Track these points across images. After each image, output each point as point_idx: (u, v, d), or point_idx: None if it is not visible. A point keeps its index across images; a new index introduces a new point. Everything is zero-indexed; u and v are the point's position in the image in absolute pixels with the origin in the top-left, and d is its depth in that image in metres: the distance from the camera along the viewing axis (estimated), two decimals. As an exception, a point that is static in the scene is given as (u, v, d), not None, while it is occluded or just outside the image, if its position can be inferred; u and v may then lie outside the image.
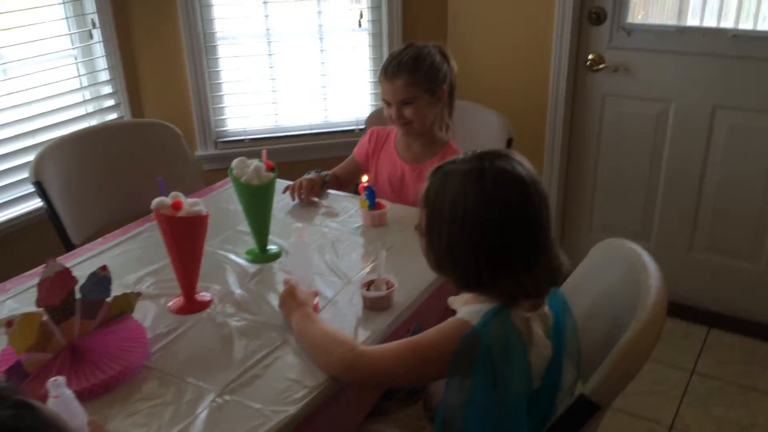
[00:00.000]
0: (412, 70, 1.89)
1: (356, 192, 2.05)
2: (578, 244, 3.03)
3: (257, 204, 1.63)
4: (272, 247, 1.74)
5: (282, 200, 2.02)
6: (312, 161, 2.92)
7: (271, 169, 1.64)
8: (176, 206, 1.39)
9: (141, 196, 1.67)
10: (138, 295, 1.40)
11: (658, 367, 2.55)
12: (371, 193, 1.82)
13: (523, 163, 1.15)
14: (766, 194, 2.57)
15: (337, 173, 2.19)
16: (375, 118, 2.43)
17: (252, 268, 1.66)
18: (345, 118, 2.99)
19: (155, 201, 1.39)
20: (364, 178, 1.85)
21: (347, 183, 2.23)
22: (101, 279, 1.30)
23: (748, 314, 2.74)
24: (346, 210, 1.96)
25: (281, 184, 2.08)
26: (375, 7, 2.83)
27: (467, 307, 1.18)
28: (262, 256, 1.69)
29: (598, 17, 2.65)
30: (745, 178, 2.60)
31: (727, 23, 2.48)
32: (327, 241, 1.78)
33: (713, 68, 2.52)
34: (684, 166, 2.68)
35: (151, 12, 2.64)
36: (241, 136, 2.91)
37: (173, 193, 1.42)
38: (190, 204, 1.41)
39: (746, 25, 2.45)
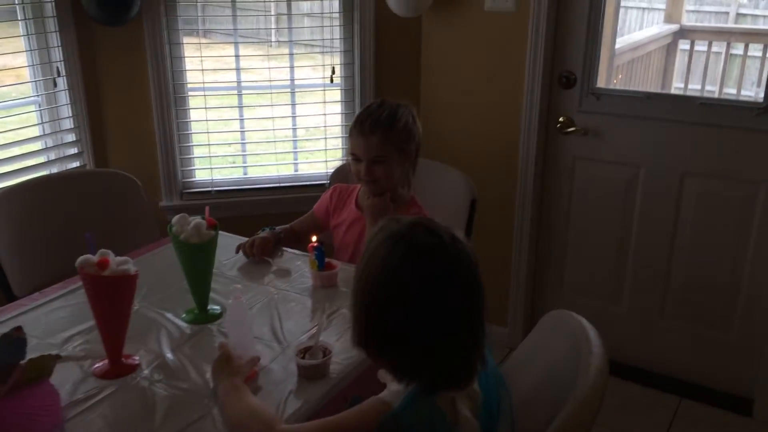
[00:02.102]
0: (388, 129, 1.87)
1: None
2: (548, 305, 2.96)
3: (196, 262, 1.58)
4: (214, 307, 1.67)
5: (233, 257, 1.96)
6: (280, 215, 2.85)
7: (212, 226, 1.59)
8: (102, 265, 1.33)
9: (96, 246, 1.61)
10: (57, 357, 1.33)
11: (625, 439, 2.46)
12: (321, 252, 1.76)
13: (445, 241, 1.10)
14: (737, 263, 2.53)
15: (295, 228, 2.14)
16: (340, 174, 2.39)
17: (189, 329, 1.59)
18: (315, 171, 2.96)
19: (80, 259, 1.33)
20: (314, 238, 1.80)
21: (304, 238, 2.17)
22: (15, 341, 1.24)
23: (720, 385, 2.66)
24: (298, 269, 1.91)
25: (231, 240, 2.03)
26: (347, 63, 2.83)
27: (393, 385, 1.12)
28: (200, 316, 1.62)
29: (568, 81, 2.65)
30: (715, 245, 2.56)
31: (695, 85, 2.48)
32: (272, 302, 1.72)
33: (681, 135, 2.51)
34: (654, 231, 2.64)
35: (119, 61, 2.63)
36: (208, 187, 2.87)
37: (101, 251, 1.36)
38: (118, 262, 1.35)
39: (712, 89, 2.45)
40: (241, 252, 1.96)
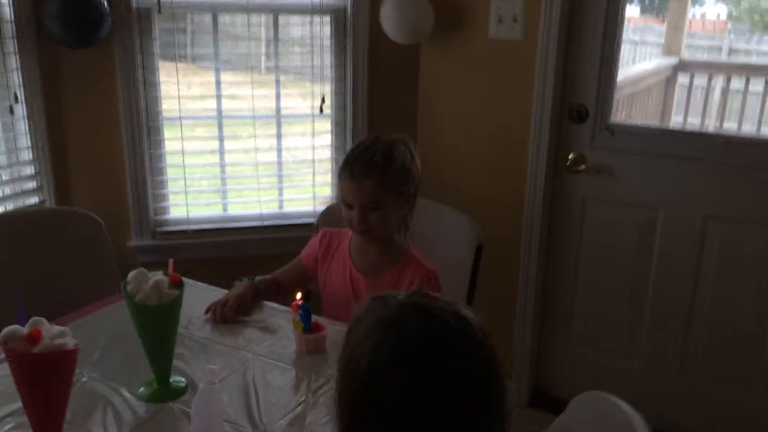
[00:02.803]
0: (383, 171, 1.63)
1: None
2: (556, 359, 2.71)
3: (155, 328, 1.31)
4: (178, 380, 1.40)
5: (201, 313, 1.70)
6: (262, 257, 2.60)
7: (176, 283, 1.33)
8: (33, 338, 1.07)
9: (46, 296, 1.45)
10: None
11: None
12: (306, 312, 1.51)
13: (452, 327, 0.86)
14: (763, 316, 2.30)
15: (279, 278, 1.88)
16: (329, 216, 2.13)
17: (144, 409, 1.32)
18: (302, 209, 2.71)
19: (5, 332, 1.07)
20: (299, 295, 1.54)
21: (289, 291, 1.91)
22: None
23: (745, 451, 2.41)
24: (280, 328, 1.64)
25: (203, 292, 1.77)
26: (339, 93, 2.60)
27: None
28: (160, 392, 1.36)
29: (580, 115, 2.43)
30: (740, 295, 2.32)
31: (710, 120, 2.27)
32: (248, 372, 1.45)
33: (703, 174, 2.29)
34: (673, 279, 2.41)
35: (86, 86, 2.38)
36: (183, 225, 2.60)
37: (33, 320, 1.10)
38: (53, 334, 1.09)
39: (731, 125, 2.24)
40: (211, 315, 1.69)
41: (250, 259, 2.61)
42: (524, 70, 2.42)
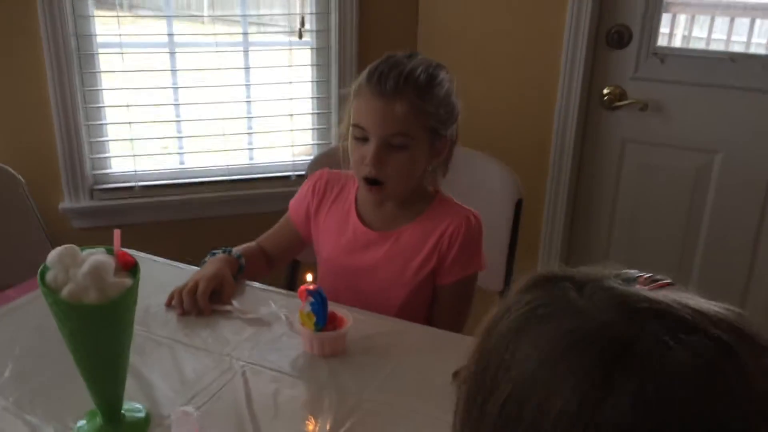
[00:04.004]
0: (425, 93, 1.19)
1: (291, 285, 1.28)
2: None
3: (95, 338, 0.83)
4: (134, 408, 0.93)
5: (161, 302, 1.21)
6: (230, 219, 2.13)
7: (128, 267, 0.84)
8: None
9: None
10: None
11: None
12: (320, 301, 1.04)
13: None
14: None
15: (265, 247, 1.40)
16: (319, 167, 1.65)
17: (83, 462, 0.84)
18: (277, 159, 2.21)
19: None
20: (309, 277, 1.07)
21: (280, 262, 1.45)
22: None
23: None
24: (277, 320, 1.17)
25: (163, 269, 1.28)
26: (321, 13, 2.08)
27: None
28: (107, 430, 0.88)
29: (621, 38, 1.98)
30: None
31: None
32: (238, 389, 0.98)
33: (775, 110, 1.89)
34: (731, 239, 2.02)
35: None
36: (129, 182, 2.08)
37: None
38: None
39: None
40: (174, 306, 1.19)
41: (212, 222, 2.13)
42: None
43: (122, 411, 0.91)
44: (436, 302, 1.30)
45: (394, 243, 1.28)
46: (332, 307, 1.07)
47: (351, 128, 1.22)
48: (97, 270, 0.80)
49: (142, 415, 0.92)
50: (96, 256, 0.82)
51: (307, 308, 1.04)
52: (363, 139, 1.20)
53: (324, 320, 1.04)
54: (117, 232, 0.86)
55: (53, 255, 0.81)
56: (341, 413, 0.95)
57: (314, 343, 1.06)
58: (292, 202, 1.42)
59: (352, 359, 1.07)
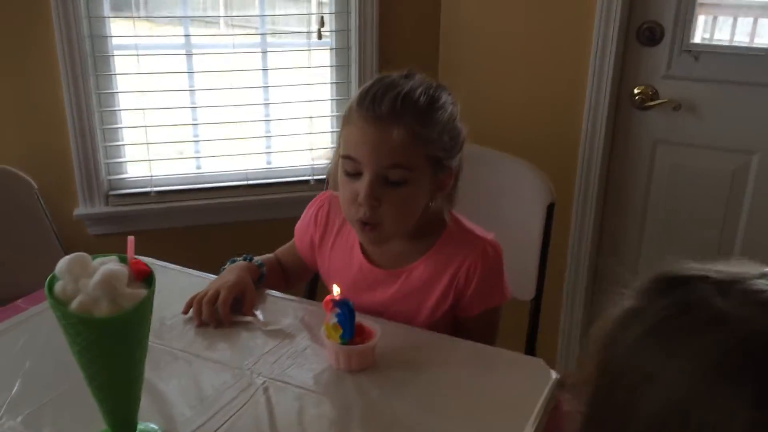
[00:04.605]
0: (426, 118, 1.05)
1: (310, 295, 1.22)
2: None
3: (107, 353, 0.76)
4: (149, 427, 0.87)
5: (178, 312, 1.15)
6: (247, 224, 2.08)
7: (143, 277, 0.78)
8: None
9: None
10: None
11: None
12: (347, 312, 0.97)
13: None
14: None
15: (282, 259, 1.33)
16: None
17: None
18: (296, 163, 2.15)
19: None
20: (336, 289, 1.00)
21: (297, 281, 1.37)
22: None
23: None
24: (300, 332, 1.11)
25: (179, 278, 1.23)
26: (340, 12, 2.03)
27: None
28: (121, 455, 0.82)
29: (653, 35, 1.90)
30: None
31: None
32: (260, 406, 0.92)
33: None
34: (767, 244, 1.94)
35: (13, 7, 1.77)
36: (145, 187, 2.03)
37: None
38: None
39: None
40: (192, 316, 1.12)
41: (232, 228, 2.08)
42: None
43: (138, 428, 0.85)
44: (459, 330, 1.17)
45: (405, 281, 1.15)
46: (359, 318, 1.00)
47: (341, 161, 1.08)
48: (109, 280, 0.74)
49: (156, 434, 0.86)
50: (108, 264, 0.76)
51: (333, 320, 0.98)
52: (355, 175, 1.06)
53: (351, 333, 0.97)
54: (131, 240, 0.80)
55: (62, 264, 0.75)
56: (371, 433, 0.88)
57: (341, 357, 0.99)
58: (297, 228, 1.31)
59: (381, 374, 1.00)
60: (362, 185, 1.04)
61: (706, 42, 1.89)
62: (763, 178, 1.89)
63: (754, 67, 1.83)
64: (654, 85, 1.94)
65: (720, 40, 1.89)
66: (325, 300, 0.98)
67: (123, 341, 0.76)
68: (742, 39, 1.88)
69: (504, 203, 1.51)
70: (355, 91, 2.07)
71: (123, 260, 0.79)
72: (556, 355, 2.21)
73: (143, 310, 0.76)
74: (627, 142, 2.02)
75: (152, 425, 0.87)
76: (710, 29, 1.91)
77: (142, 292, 0.76)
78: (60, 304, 0.73)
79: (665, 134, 1.97)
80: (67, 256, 0.76)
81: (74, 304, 0.73)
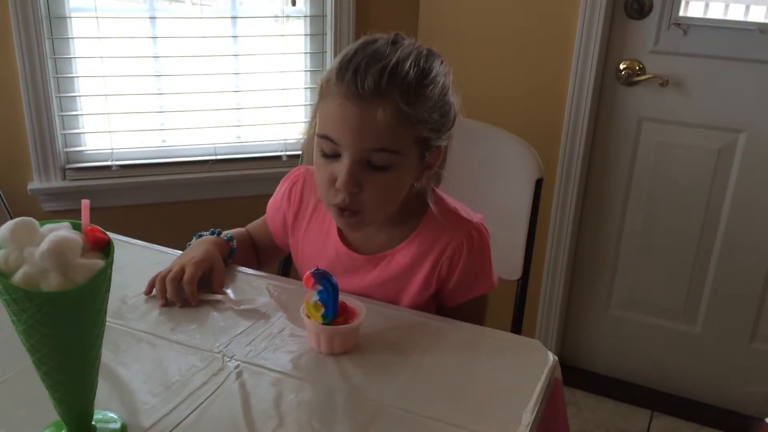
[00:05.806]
0: (415, 95, 0.92)
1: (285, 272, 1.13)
2: (588, 323, 2.19)
3: (58, 334, 0.66)
4: (107, 418, 0.77)
5: (143, 294, 1.05)
6: (215, 202, 1.98)
7: (100, 246, 0.68)
8: None
9: None
10: None
11: None
12: (330, 289, 0.88)
13: None
14: None
15: (253, 234, 1.23)
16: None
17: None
18: (267, 137, 2.04)
19: None
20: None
21: (269, 260, 1.27)
22: None
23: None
24: (278, 312, 1.01)
25: (141, 253, 1.13)
26: (316, -21, 1.92)
27: None
28: (74, 449, 0.72)
29: (641, 7, 1.84)
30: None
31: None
32: (233, 394, 0.83)
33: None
34: (753, 223, 1.89)
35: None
36: (106, 160, 1.90)
37: None
38: None
39: None
40: (156, 295, 1.02)
41: (200, 205, 1.98)
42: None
43: (93, 422, 0.75)
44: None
45: (385, 267, 1.06)
46: (342, 296, 0.91)
47: (317, 140, 0.96)
48: (59, 249, 0.64)
49: (117, 426, 0.76)
50: (58, 231, 0.66)
51: (314, 297, 0.89)
52: (333, 156, 0.95)
53: (334, 312, 0.88)
54: (85, 203, 0.69)
55: (4, 230, 0.65)
56: (359, 422, 0.80)
57: (322, 339, 0.90)
58: (270, 205, 1.20)
59: (365, 357, 0.91)
60: (341, 169, 0.93)
61: (698, 16, 1.83)
62: (749, 156, 1.85)
63: (744, 42, 1.77)
64: (641, 59, 1.88)
65: (713, 18, 1.83)
66: (305, 275, 0.89)
67: (75, 320, 0.66)
68: (736, 16, 1.82)
69: (491, 177, 1.43)
70: (330, 62, 1.98)
71: (76, 227, 0.69)
72: (534, 335, 2.16)
73: (99, 283, 0.66)
74: (612, 119, 1.96)
75: (111, 414, 0.77)
76: (702, 6, 1.85)
77: (99, 262, 0.66)
78: (1, 276, 0.63)
79: (651, 111, 1.92)
80: (11, 221, 0.65)
81: (18, 276, 0.63)
